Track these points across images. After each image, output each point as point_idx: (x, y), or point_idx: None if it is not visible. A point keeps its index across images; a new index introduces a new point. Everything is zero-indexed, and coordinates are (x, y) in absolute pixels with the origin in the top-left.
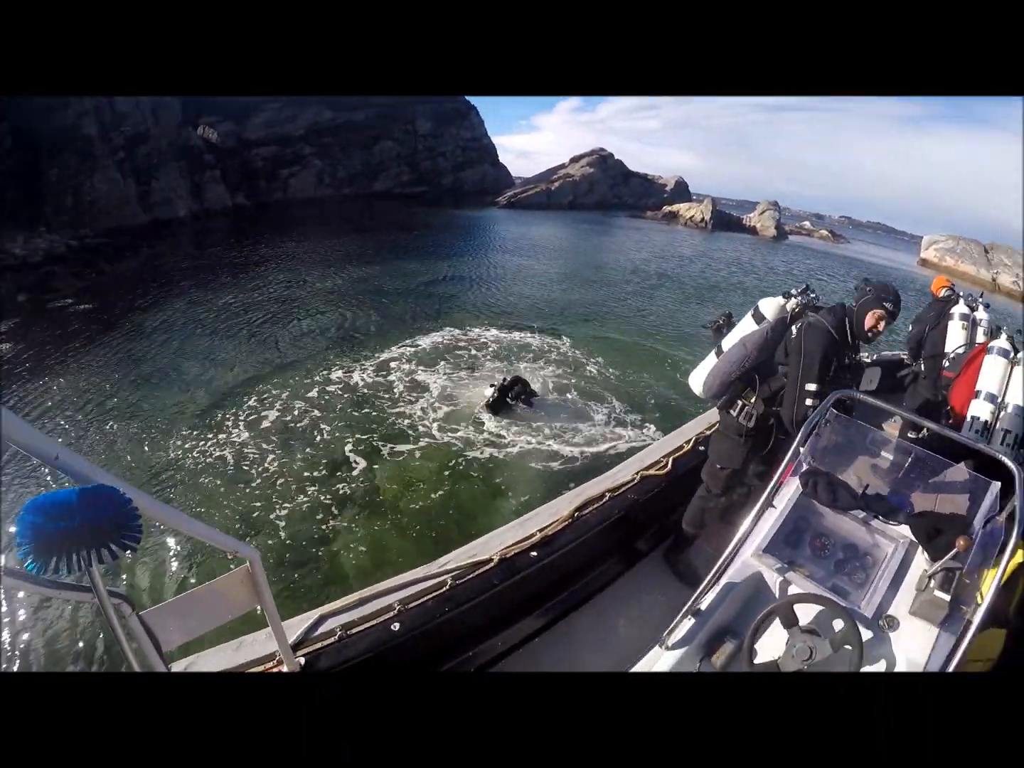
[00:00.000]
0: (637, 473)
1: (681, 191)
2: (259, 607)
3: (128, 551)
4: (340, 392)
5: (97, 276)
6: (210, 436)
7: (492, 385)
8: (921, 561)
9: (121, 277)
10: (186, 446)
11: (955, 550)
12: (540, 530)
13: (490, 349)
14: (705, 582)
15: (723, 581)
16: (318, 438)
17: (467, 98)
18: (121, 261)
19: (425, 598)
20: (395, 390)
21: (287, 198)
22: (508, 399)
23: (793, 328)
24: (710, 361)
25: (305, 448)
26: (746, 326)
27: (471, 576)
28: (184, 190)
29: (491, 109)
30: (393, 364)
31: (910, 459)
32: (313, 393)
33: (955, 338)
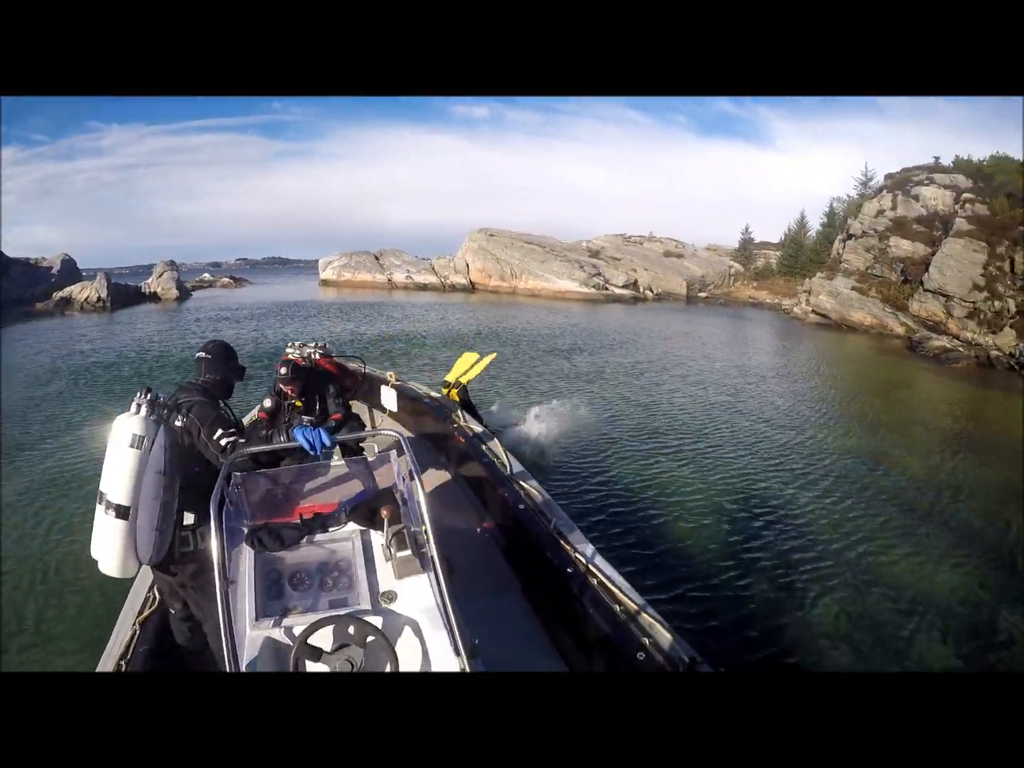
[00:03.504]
0: None
1: (71, 271)
2: None
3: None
4: None
5: None
6: None
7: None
8: (379, 538)
9: None
10: None
11: (386, 518)
12: None
13: None
14: (228, 670)
15: (244, 664)
16: None
17: None
18: None
19: None
20: None
21: None
22: None
23: (176, 422)
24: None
25: None
26: (123, 456)
27: None
28: None
29: None
30: None
31: (327, 472)
32: None
33: None
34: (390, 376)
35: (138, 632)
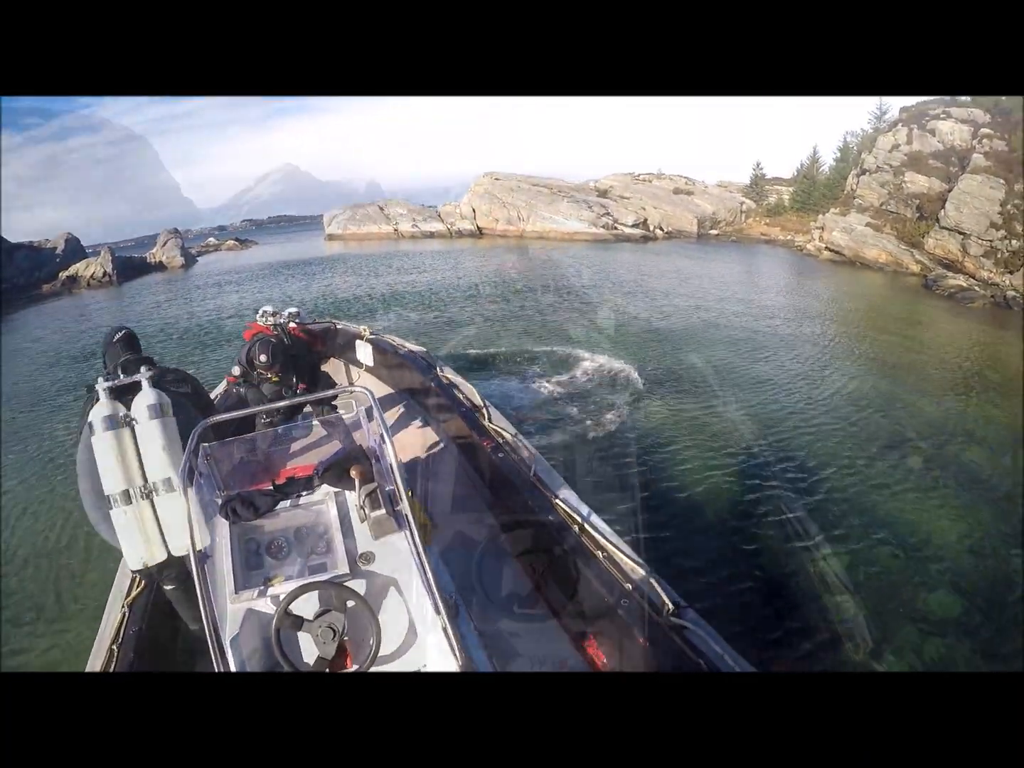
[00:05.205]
0: None
1: (75, 249)
2: None
3: None
4: None
5: None
6: None
7: None
8: (354, 499)
9: None
10: None
11: (357, 478)
12: None
13: None
14: (213, 650)
15: (228, 639)
16: None
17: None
18: None
19: None
20: None
21: None
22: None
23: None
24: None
25: None
26: (149, 431)
27: None
28: None
29: None
30: None
31: (299, 435)
32: None
33: None
34: (364, 330)
35: (127, 614)
